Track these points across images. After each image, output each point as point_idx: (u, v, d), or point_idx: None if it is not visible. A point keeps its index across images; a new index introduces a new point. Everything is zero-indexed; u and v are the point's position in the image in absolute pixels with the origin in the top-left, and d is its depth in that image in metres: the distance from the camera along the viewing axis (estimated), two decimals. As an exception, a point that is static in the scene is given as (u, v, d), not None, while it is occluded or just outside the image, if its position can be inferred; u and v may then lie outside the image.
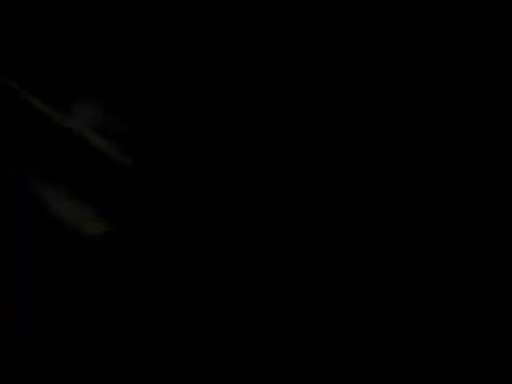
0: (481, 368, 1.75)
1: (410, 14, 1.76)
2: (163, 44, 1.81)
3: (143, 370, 1.71)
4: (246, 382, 1.75)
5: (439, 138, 1.80)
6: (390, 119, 1.78)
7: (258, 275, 1.76)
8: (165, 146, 1.80)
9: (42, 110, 1.75)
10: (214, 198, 1.79)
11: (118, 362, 1.69)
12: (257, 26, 1.79)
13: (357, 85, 1.78)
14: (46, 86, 1.79)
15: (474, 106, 1.77)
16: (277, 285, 1.77)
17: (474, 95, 1.77)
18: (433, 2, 1.76)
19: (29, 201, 1.78)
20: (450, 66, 1.76)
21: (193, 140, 1.80)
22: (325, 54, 1.79)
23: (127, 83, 1.78)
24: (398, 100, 1.78)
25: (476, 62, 1.75)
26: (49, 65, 1.78)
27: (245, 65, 1.80)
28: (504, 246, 1.75)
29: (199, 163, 1.80)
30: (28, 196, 1.78)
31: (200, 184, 1.80)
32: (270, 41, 1.80)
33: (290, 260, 1.78)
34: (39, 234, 1.74)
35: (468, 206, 1.77)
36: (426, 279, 1.80)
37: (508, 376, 1.72)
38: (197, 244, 1.75)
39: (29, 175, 1.75)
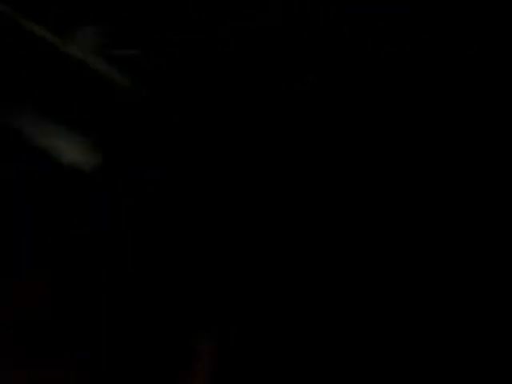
0: (481, 368, 1.74)
1: (410, 14, 1.76)
2: (163, 44, 1.81)
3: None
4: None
5: (440, 138, 1.80)
6: (390, 119, 1.79)
7: (257, 274, 1.76)
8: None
9: (41, 36, 1.72)
10: (213, 195, 1.79)
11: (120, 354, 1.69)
12: (257, 26, 1.79)
13: (357, 85, 1.78)
14: (42, 11, 1.74)
15: (475, 106, 1.78)
16: (276, 284, 1.76)
17: (474, 95, 1.77)
18: (433, 2, 1.76)
19: (29, 200, 1.77)
20: (450, 66, 1.76)
21: (193, 139, 1.81)
22: (325, 53, 1.79)
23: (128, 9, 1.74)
24: (399, 100, 1.78)
25: (476, 62, 1.75)
26: None
27: (245, 65, 1.80)
28: (505, 247, 1.75)
29: (200, 158, 1.80)
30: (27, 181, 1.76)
31: (200, 180, 1.80)
32: (270, 41, 1.80)
33: (290, 259, 1.78)
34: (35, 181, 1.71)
35: (469, 207, 1.77)
36: (427, 279, 1.79)
37: (508, 376, 1.72)
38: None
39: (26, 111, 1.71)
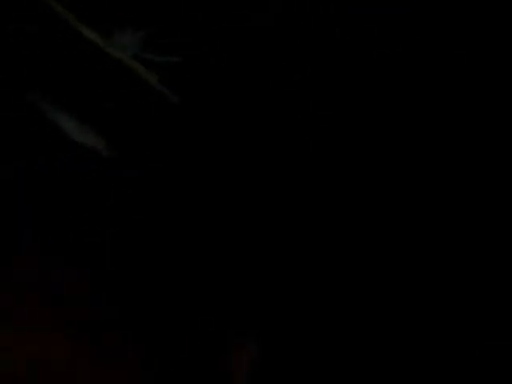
0: (480, 368, 1.76)
1: (402, 14, 1.76)
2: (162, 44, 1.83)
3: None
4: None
5: (431, 137, 1.80)
6: (381, 120, 1.79)
7: (238, 272, 1.79)
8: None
9: (89, 38, 1.77)
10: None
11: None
12: (249, 26, 1.80)
13: (348, 84, 1.79)
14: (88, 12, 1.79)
15: (468, 106, 1.78)
16: (258, 281, 1.79)
17: (467, 96, 1.77)
18: (425, 2, 1.75)
19: (29, 201, 1.82)
20: (443, 66, 1.76)
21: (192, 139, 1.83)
22: (316, 53, 1.80)
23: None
24: (389, 100, 1.79)
25: (469, 63, 1.75)
26: None
27: (236, 65, 1.82)
28: (489, 246, 1.76)
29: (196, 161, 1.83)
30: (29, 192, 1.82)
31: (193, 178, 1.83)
32: (263, 41, 1.81)
33: (273, 255, 1.80)
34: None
35: (454, 207, 1.78)
36: (406, 275, 1.81)
37: (508, 376, 1.74)
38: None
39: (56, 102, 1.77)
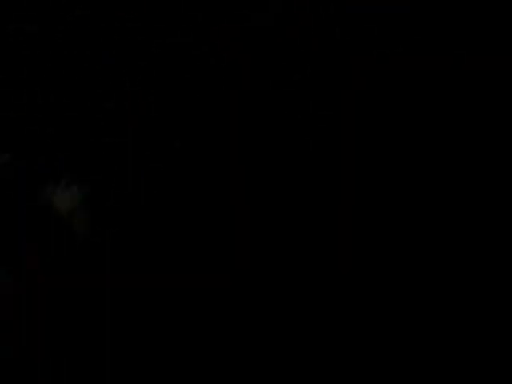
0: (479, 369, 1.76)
1: (402, 14, 1.76)
2: (158, 47, 1.83)
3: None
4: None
5: (432, 137, 1.80)
6: (381, 119, 1.80)
7: (235, 278, 1.79)
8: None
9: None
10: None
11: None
12: (250, 26, 1.80)
13: (348, 84, 1.79)
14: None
15: (469, 106, 1.78)
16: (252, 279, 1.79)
17: (468, 95, 1.77)
18: (426, 2, 1.76)
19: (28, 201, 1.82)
20: (443, 66, 1.76)
21: (188, 144, 1.83)
22: (316, 53, 1.80)
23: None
24: (390, 100, 1.79)
25: (470, 63, 1.75)
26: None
27: (239, 65, 1.82)
28: (482, 267, 1.76)
29: (193, 168, 1.83)
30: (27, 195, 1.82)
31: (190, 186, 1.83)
32: (263, 41, 1.81)
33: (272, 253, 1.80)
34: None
35: (451, 204, 1.78)
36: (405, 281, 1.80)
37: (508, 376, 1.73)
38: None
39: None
